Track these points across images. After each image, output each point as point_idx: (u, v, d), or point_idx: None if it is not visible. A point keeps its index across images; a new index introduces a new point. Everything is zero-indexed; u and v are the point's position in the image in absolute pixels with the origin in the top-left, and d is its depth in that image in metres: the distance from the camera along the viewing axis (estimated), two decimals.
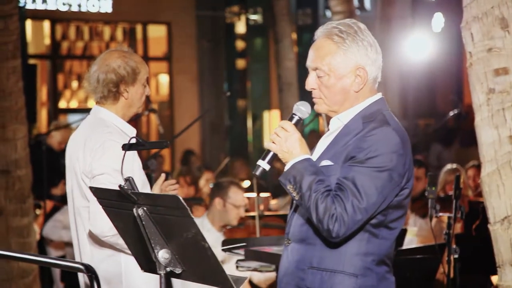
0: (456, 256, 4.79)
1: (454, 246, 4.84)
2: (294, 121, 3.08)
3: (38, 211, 8.08)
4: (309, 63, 3.11)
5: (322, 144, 3.14)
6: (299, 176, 2.95)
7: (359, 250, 2.99)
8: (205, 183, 8.24)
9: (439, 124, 14.03)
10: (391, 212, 3.01)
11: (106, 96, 3.92)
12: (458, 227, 6.08)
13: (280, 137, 3.02)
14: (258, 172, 3.06)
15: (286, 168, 3.01)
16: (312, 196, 2.91)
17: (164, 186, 4.02)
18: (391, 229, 3.04)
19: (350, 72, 3.06)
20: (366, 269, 2.99)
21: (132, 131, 3.95)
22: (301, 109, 3.09)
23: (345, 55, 3.04)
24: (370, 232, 2.99)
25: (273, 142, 3.04)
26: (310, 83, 3.11)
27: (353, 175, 2.91)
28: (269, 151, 3.05)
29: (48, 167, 7.95)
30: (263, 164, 3.05)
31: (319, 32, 3.11)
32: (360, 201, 2.89)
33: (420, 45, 13.88)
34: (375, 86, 3.13)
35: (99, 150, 3.77)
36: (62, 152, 8.65)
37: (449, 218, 4.89)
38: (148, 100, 4.15)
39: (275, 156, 3.05)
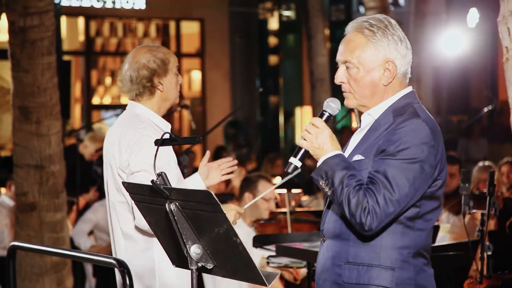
0: (489, 253, 4.75)
1: (487, 243, 4.80)
2: (324, 117, 3.09)
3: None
4: (339, 56, 3.12)
5: (354, 140, 3.15)
6: (331, 171, 2.96)
7: (394, 243, 2.99)
8: (236, 178, 8.24)
9: (472, 120, 13.93)
10: (425, 203, 3.01)
11: (142, 93, 3.95)
12: (491, 224, 6.02)
13: (311, 134, 3.03)
14: (290, 169, 3.08)
15: (318, 164, 3.02)
16: (344, 191, 2.92)
17: (216, 164, 4.07)
18: (426, 221, 3.04)
19: (379, 66, 3.06)
20: (403, 262, 2.99)
21: (167, 126, 3.98)
22: (331, 106, 3.10)
23: (375, 48, 3.05)
24: (405, 225, 2.99)
25: (304, 139, 3.05)
26: (339, 76, 3.12)
27: (384, 168, 2.92)
28: (300, 148, 3.07)
29: (80, 175, 8.02)
30: (295, 161, 3.07)
31: (350, 27, 3.13)
32: (392, 193, 2.89)
33: (454, 41, 13.78)
34: (405, 81, 3.13)
35: (135, 146, 3.79)
36: (93, 161, 8.79)
37: (482, 215, 4.86)
38: (180, 96, 4.18)
39: (306, 153, 3.06)
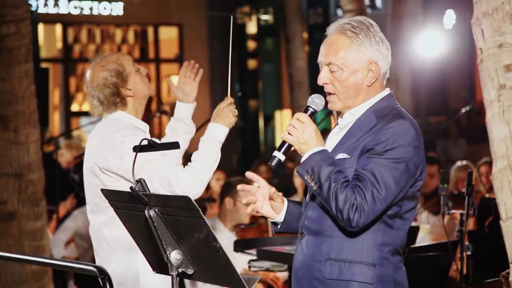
0: (469, 253, 4.79)
1: (466, 243, 4.84)
2: (309, 113, 3.12)
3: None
4: (322, 58, 3.14)
5: (334, 139, 3.19)
6: (317, 167, 2.99)
7: (376, 241, 3.04)
8: (216, 182, 8.24)
9: (451, 121, 14.02)
10: (406, 203, 3.07)
11: (116, 108, 3.95)
12: (471, 224, 6.07)
13: (297, 129, 3.05)
14: (274, 163, 3.10)
15: (303, 159, 3.05)
16: (331, 186, 2.95)
17: (182, 78, 4.20)
18: (405, 220, 3.10)
19: (363, 67, 3.10)
20: (383, 259, 3.05)
21: (145, 127, 3.99)
22: (316, 101, 3.13)
23: (359, 49, 3.09)
24: (386, 223, 3.05)
25: (289, 134, 3.07)
26: (323, 78, 3.14)
27: (372, 166, 2.97)
28: (284, 142, 3.09)
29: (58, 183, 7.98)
30: (279, 155, 3.09)
31: (332, 28, 3.15)
32: (380, 191, 2.94)
33: (431, 43, 13.86)
34: (384, 82, 3.19)
35: (123, 148, 3.76)
36: (69, 169, 8.76)
37: (461, 215, 4.89)
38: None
39: (290, 147, 3.09)
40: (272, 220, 3.28)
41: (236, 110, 4.08)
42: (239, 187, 3.29)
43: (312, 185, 3.00)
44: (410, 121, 3.06)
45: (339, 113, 3.23)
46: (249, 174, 3.25)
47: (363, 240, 3.03)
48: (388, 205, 3.00)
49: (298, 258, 3.17)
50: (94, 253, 4.01)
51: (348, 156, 3.05)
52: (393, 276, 3.06)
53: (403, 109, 3.14)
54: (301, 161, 3.05)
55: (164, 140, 4.26)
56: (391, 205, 3.02)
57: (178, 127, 4.25)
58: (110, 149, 3.81)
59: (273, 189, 3.21)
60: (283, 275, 5.85)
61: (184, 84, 4.26)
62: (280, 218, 3.25)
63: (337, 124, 3.24)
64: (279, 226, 3.28)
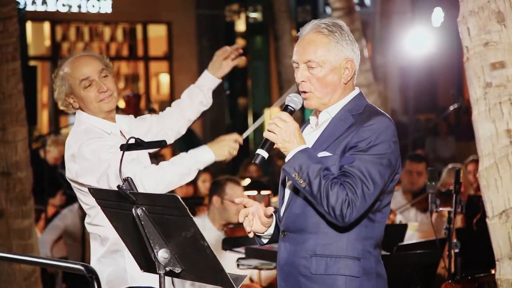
0: (456, 250, 4.80)
1: (454, 240, 4.86)
2: (288, 111, 3.15)
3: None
4: (299, 57, 3.18)
5: (309, 138, 3.21)
6: (305, 164, 3.03)
7: (359, 235, 3.10)
8: (202, 184, 8.26)
9: (439, 119, 14.06)
10: (386, 197, 3.15)
11: (73, 107, 3.93)
12: (458, 221, 6.08)
13: (280, 127, 3.09)
14: (257, 161, 3.12)
15: (289, 157, 3.07)
16: (322, 183, 2.99)
17: (222, 55, 4.18)
18: (383, 213, 3.18)
19: (341, 64, 3.17)
20: (366, 252, 3.12)
21: (112, 127, 3.92)
22: (295, 100, 3.17)
23: (336, 47, 3.15)
24: (368, 217, 3.11)
25: (272, 132, 3.10)
26: (300, 76, 3.18)
27: (358, 163, 3.03)
28: (267, 140, 3.12)
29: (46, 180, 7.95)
30: (262, 153, 3.12)
31: (307, 28, 3.21)
32: (369, 186, 3.01)
33: (420, 40, 13.87)
34: (355, 81, 3.26)
35: (80, 155, 3.75)
36: (57, 165, 8.74)
37: (449, 212, 4.91)
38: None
39: (273, 145, 3.11)
40: (258, 234, 3.28)
41: (236, 151, 4.00)
42: (237, 200, 3.30)
43: (301, 182, 3.03)
44: (387, 117, 3.14)
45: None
46: (238, 201, 3.27)
47: (347, 235, 3.09)
48: (375, 199, 3.06)
49: (282, 256, 3.20)
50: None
51: (330, 154, 3.10)
52: (375, 269, 3.13)
53: (375, 106, 3.22)
54: (286, 160, 3.08)
55: (174, 103, 4.26)
56: (376, 200, 3.08)
57: (196, 96, 4.24)
58: (70, 159, 3.78)
59: (271, 210, 3.21)
60: (271, 273, 5.85)
61: (221, 58, 4.23)
62: (269, 231, 3.28)
63: (309, 123, 3.26)
64: (265, 241, 3.31)
